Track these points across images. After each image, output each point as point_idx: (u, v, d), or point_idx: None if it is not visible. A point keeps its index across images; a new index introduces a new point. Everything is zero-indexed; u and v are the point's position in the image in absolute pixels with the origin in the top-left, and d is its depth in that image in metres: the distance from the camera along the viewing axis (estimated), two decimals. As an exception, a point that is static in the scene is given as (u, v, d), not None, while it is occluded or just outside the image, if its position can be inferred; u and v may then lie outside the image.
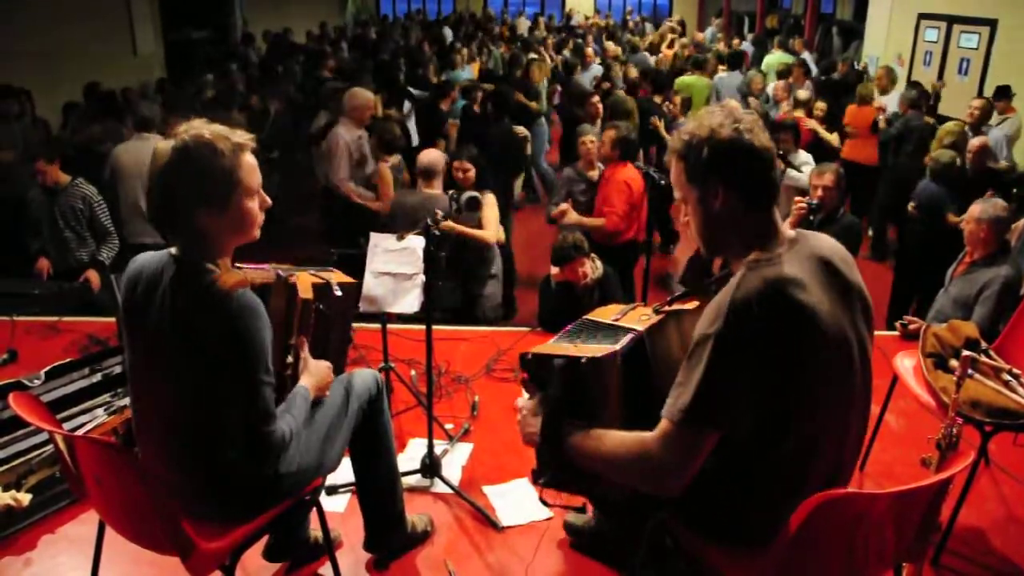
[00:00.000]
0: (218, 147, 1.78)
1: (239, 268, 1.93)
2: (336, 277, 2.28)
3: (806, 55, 11.28)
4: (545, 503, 2.36)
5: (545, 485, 2.04)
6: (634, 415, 1.82)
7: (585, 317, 2.09)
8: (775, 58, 10.29)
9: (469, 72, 9.79)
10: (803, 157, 5.68)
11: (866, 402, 1.81)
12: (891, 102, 7.45)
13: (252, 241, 1.92)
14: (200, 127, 1.81)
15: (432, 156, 4.63)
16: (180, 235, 1.85)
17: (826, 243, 1.80)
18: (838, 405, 1.70)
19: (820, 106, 7.47)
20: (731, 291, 1.63)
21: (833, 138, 7.29)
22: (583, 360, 1.81)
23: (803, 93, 7.70)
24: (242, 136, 1.86)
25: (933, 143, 6.09)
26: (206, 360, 1.77)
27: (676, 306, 2.04)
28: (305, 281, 2.11)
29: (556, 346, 1.98)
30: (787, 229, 1.78)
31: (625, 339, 1.90)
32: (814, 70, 10.30)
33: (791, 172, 5.52)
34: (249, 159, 1.86)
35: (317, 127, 6.63)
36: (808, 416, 1.65)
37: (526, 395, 2.02)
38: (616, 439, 1.75)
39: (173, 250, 1.88)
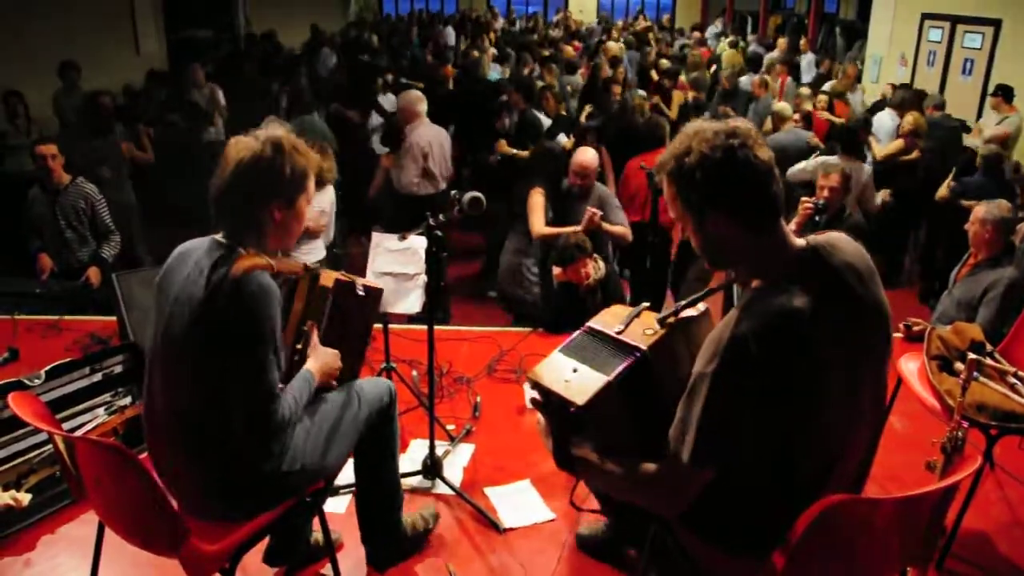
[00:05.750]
0: (301, 149, 1.97)
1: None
2: (362, 281, 2.35)
3: (809, 55, 11.32)
4: (575, 506, 2.44)
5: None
6: (649, 427, 1.79)
7: (589, 325, 2.05)
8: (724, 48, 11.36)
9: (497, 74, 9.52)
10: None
11: (877, 415, 1.79)
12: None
13: (287, 250, 2.08)
14: (280, 130, 1.98)
15: None
16: (239, 223, 1.92)
17: (850, 252, 1.69)
18: (846, 424, 1.67)
19: (821, 99, 7.68)
20: (730, 326, 1.57)
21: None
22: (571, 409, 1.81)
23: (805, 89, 7.80)
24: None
25: None
26: (216, 338, 1.82)
27: (682, 315, 1.96)
28: (330, 275, 2.21)
29: (553, 373, 1.93)
30: (798, 243, 1.67)
31: (620, 366, 1.83)
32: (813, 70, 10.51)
33: (797, 165, 5.52)
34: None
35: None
36: (814, 442, 1.63)
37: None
38: (625, 467, 1.77)
39: (218, 236, 1.95)
